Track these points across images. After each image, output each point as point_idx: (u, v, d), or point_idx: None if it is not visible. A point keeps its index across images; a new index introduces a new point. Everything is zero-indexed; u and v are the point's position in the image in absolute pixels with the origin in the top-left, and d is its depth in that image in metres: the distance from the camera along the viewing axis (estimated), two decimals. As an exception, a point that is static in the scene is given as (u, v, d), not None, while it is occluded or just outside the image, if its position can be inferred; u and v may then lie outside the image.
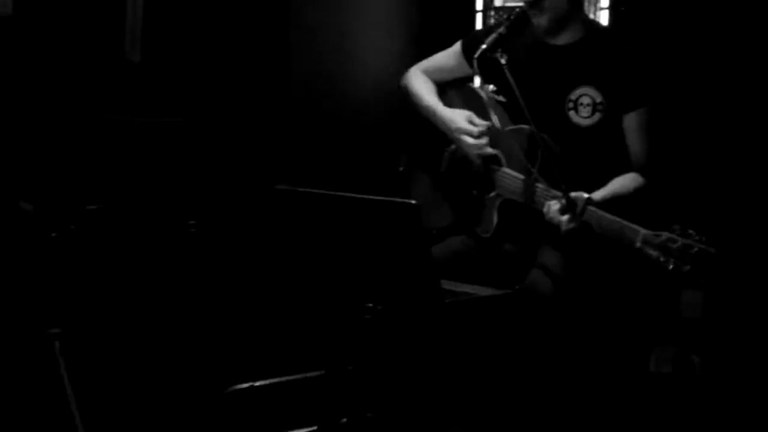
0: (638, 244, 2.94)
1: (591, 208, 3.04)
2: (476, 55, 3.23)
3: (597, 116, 3.33)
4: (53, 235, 3.67)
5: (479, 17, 4.84)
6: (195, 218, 4.01)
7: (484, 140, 3.41)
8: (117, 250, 3.85)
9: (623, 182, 3.28)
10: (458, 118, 3.47)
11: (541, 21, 3.32)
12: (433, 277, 2.87)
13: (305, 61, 4.46)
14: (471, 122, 3.44)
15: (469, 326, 3.15)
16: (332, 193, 2.93)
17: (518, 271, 3.32)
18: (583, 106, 3.34)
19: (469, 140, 3.42)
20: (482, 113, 3.49)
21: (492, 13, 4.81)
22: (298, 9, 4.43)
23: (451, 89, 3.67)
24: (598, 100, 3.32)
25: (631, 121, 3.32)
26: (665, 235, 2.89)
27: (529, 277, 3.23)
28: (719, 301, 3.95)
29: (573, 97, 3.35)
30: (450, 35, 3.76)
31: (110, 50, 4.03)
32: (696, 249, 2.84)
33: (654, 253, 2.89)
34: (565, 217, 3.06)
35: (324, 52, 4.53)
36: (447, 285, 3.13)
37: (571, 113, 3.35)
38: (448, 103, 3.60)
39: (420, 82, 3.68)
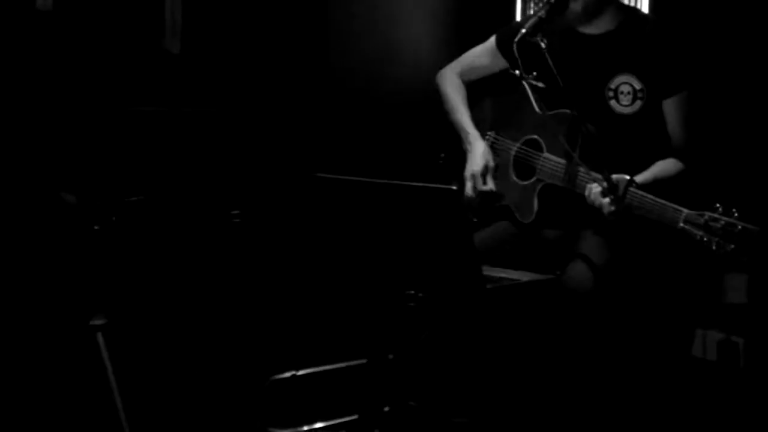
0: (681, 224, 2.92)
1: (633, 189, 3.03)
2: (516, 40, 3.20)
3: (638, 104, 3.31)
4: (96, 227, 3.69)
5: (519, 5, 4.81)
6: (238, 208, 4.03)
7: (477, 200, 3.46)
8: (159, 242, 3.86)
9: (665, 166, 3.26)
10: (478, 161, 3.52)
11: (576, 7, 3.29)
12: (474, 263, 2.86)
13: (344, 50, 4.47)
14: (484, 175, 3.48)
15: (511, 311, 3.14)
16: (372, 180, 2.93)
17: (559, 256, 3.30)
18: (624, 95, 3.32)
19: (468, 189, 3.48)
20: (524, 101, 3.48)
21: (532, 3, 4.79)
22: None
23: (488, 99, 3.69)
24: (638, 87, 3.30)
25: (671, 107, 3.30)
26: (708, 214, 2.88)
27: (569, 268, 3.21)
28: (764, 285, 3.92)
29: (613, 85, 3.33)
30: (489, 23, 3.74)
31: (150, 42, 4.04)
32: (740, 227, 2.82)
33: (697, 232, 2.88)
34: (607, 200, 3.04)
35: (363, 40, 4.53)
36: (488, 271, 3.13)
37: (612, 102, 3.33)
38: (492, 104, 3.63)
39: (452, 88, 3.71)
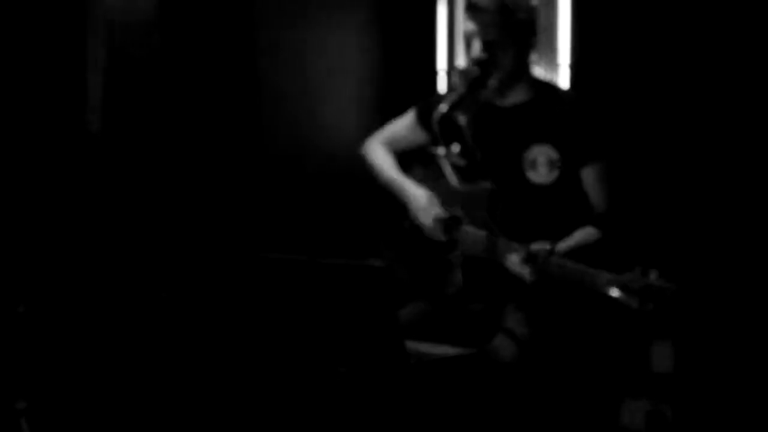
0: (601, 287, 2.95)
1: (553, 257, 3.05)
2: (436, 117, 3.24)
3: (555, 173, 3.34)
4: (20, 309, 3.65)
5: (441, 77, 4.87)
6: (167, 288, 4.01)
7: (440, 227, 3.42)
8: (86, 322, 3.83)
9: (585, 233, 3.29)
10: (421, 197, 3.48)
11: (493, 82, 3.33)
12: (398, 338, 2.86)
13: (273, 126, 4.48)
14: (431, 204, 3.45)
15: (435, 386, 3.13)
16: (297, 257, 2.93)
17: (483, 330, 3.30)
18: (541, 165, 3.35)
19: (427, 223, 3.44)
20: (442, 177, 3.50)
21: (453, 73, 4.83)
22: (264, 70, 4.45)
23: (414, 161, 3.69)
24: (555, 157, 3.34)
25: (589, 176, 3.34)
26: (627, 275, 2.91)
27: (493, 342, 3.21)
28: (690, 354, 3.95)
29: (529, 156, 3.36)
30: (413, 95, 3.77)
31: (71, 121, 4.02)
32: (658, 287, 2.86)
33: (617, 293, 2.91)
34: (527, 269, 3.06)
35: (293, 118, 4.55)
36: (413, 346, 3.12)
37: (529, 172, 3.36)
38: (411, 175, 3.61)
39: (379, 154, 3.69)
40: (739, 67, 3.94)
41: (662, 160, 4.10)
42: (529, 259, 3.04)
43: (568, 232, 3.27)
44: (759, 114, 3.89)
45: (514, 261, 3.10)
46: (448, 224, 3.42)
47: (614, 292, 2.92)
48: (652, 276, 2.88)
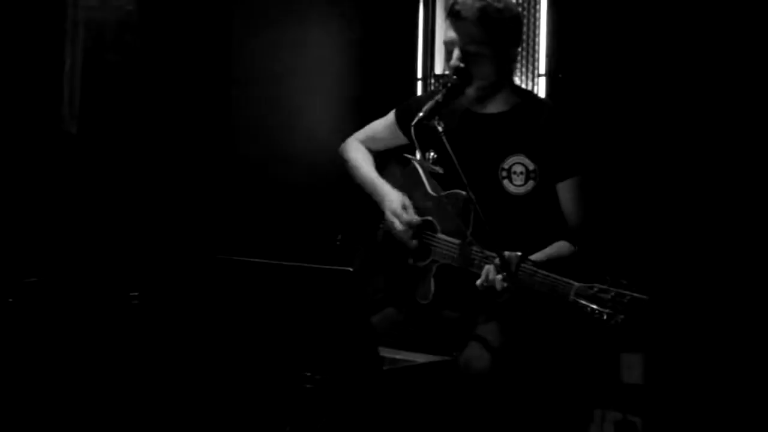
0: (572, 297, 2.95)
1: (524, 265, 3.05)
2: (413, 123, 3.24)
3: (530, 184, 3.35)
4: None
5: (420, 84, 4.88)
6: (137, 290, 3.99)
7: (410, 232, 3.42)
8: (57, 323, 3.81)
9: (559, 247, 3.30)
10: (394, 199, 3.48)
11: (470, 90, 3.34)
12: (371, 344, 2.86)
13: (246, 133, 4.47)
14: (404, 208, 3.45)
15: (407, 393, 3.13)
16: (270, 261, 2.92)
17: (457, 338, 3.31)
18: (517, 175, 3.36)
19: (399, 227, 3.43)
20: (418, 184, 3.51)
21: (432, 80, 4.85)
22: (240, 81, 4.45)
23: (392, 163, 3.69)
24: (531, 168, 3.34)
25: (564, 189, 3.35)
26: (597, 286, 2.91)
27: (466, 350, 3.20)
28: (660, 365, 3.97)
29: (506, 165, 3.37)
30: (391, 102, 3.77)
31: (47, 122, 4.01)
32: (628, 297, 2.86)
33: (588, 304, 2.91)
34: (500, 276, 3.05)
35: (265, 119, 4.55)
36: (385, 352, 3.12)
37: (505, 182, 3.37)
38: (388, 178, 3.61)
39: (357, 153, 3.71)
40: (714, 83, 3.96)
41: (634, 172, 4.12)
42: (503, 267, 3.04)
43: (542, 242, 3.28)
44: (733, 128, 3.91)
45: (488, 270, 3.10)
46: (419, 230, 3.42)
47: (584, 303, 2.92)
48: (623, 286, 2.89)
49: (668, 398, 3.97)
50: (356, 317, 2.84)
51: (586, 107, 4.17)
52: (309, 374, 2.93)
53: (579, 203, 3.35)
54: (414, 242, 3.42)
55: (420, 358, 3.21)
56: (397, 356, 3.18)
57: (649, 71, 4.11)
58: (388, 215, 3.47)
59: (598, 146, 3.74)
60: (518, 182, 3.36)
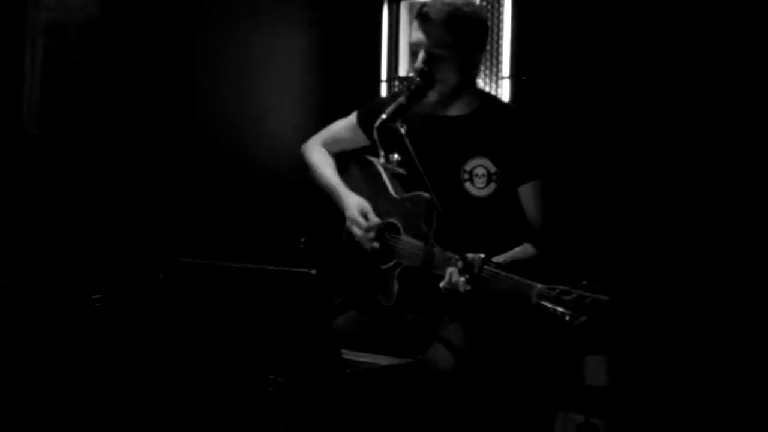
0: (534, 299, 2.95)
1: (487, 267, 3.04)
2: (376, 125, 3.22)
3: (492, 186, 3.35)
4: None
5: (384, 86, 4.87)
6: (100, 292, 3.97)
7: (371, 235, 3.41)
8: (19, 326, 3.79)
9: (522, 250, 3.30)
10: (353, 206, 3.48)
11: (433, 93, 3.33)
12: (333, 346, 2.85)
13: (209, 134, 4.45)
14: (364, 214, 3.44)
15: (371, 396, 3.13)
16: (233, 264, 2.91)
17: (420, 340, 3.30)
18: (478, 177, 3.36)
19: (358, 232, 3.43)
20: (381, 186, 3.50)
21: (396, 82, 4.85)
22: (203, 78, 4.43)
23: (354, 165, 3.68)
24: (493, 170, 3.35)
25: (526, 192, 3.35)
26: (559, 288, 2.91)
27: (429, 351, 3.20)
28: (623, 367, 3.98)
29: (468, 168, 3.37)
30: (355, 104, 3.76)
31: (7, 123, 3.98)
32: (590, 299, 2.86)
33: (550, 306, 2.91)
34: (463, 279, 3.05)
35: (229, 121, 4.54)
36: (348, 355, 3.11)
37: (467, 184, 3.37)
38: (349, 181, 3.60)
39: (319, 156, 3.69)
40: (676, 83, 3.98)
41: (596, 174, 4.14)
42: (465, 269, 3.04)
43: (505, 244, 3.28)
44: (693, 129, 3.94)
45: (451, 272, 3.09)
46: (382, 232, 3.41)
47: (547, 305, 2.92)
48: (584, 288, 2.89)
49: (631, 401, 3.98)
50: (319, 320, 2.83)
51: (550, 110, 4.19)
52: (272, 377, 2.91)
53: (541, 206, 3.35)
54: (374, 245, 3.41)
55: (383, 360, 3.20)
56: (360, 359, 3.17)
57: (612, 73, 4.13)
58: (349, 222, 3.47)
59: (561, 149, 3.76)
60: (480, 185, 3.36)
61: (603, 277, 2.97)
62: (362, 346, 3.30)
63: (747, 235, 3.82)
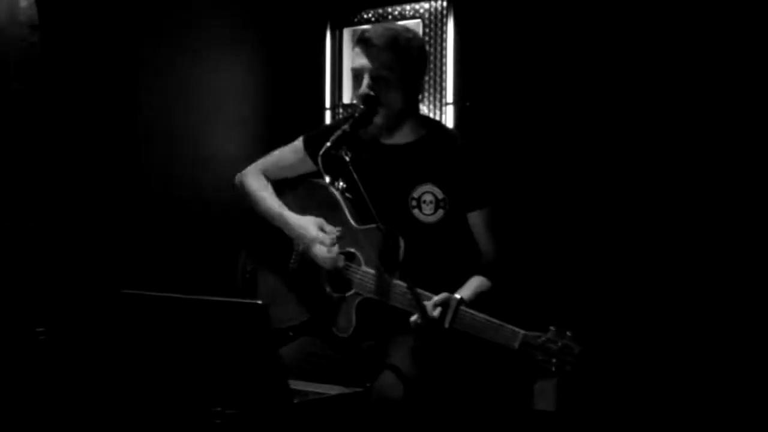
0: (517, 346, 2.96)
1: (464, 308, 3.06)
2: (321, 153, 3.20)
3: (440, 213, 3.35)
4: None
5: (328, 114, 4.87)
6: (43, 325, 3.92)
7: (336, 249, 3.37)
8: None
9: (480, 282, 3.31)
10: (310, 226, 3.42)
11: (377, 119, 3.32)
12: (280, 377, 2.83)
13: (152, 165, 4.42)
14: (322, 230, 3.40)
15: (318, 426, 3.10)
16: (178, 295, 2.88)
17: (370, 367, 3.28)
18: (426, 204, 3.36)
19: (324, 251, 3.37)
20: (336, 213, 3.47)
21: (340, 110, 4.85)
22: (145, 112, 4.40)
23: (300, 187, 3.64)
24: (441, 197, 3.35)
25: (475, 219, 3.36)
26: (544, 336, 2.94)
27: (379, 379, 3.18)
28: (572, 392, 3.99)
29: (415, 194, 3.37)
30: (299, 132, 3.74)
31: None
32: (578, 350, 2.92)
33: (536, 353, 2.94)
34: (438, 314, 3.06)
35: (172, 151, 4.51)
36: (296, 385, 3.08)
37: (416, 211, 3.37)
38: (295, 203, 3.56)
39: (258, 184, 3.62)
40: (624, 113, 4.01)
41: (543, 200, 4.16)
42: (442, 306, 3.05)
43: (456, 270, 3.28)
44: (648, 159, 3.97)
45: (428, 309, 3.09)
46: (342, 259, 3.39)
47: (533, 352, 2.96)
48: (568, 337, 2.92)
49: (579, 425, 3.99)
50: (266, 350, 2.80)
51: (494, 135, 4.21)
52: (219, 409, 2.88)
53: (490, 234, 3.36)
54: (340, 264, 3.37)
55: (332, 390, 3.18)
56: (309, 389, 3.15)
57: (556, 99, 4.16)
58: (311, 244, 3.40)
59: (507, 177, 3.77)
60: (428, 211, 3.36)
61: (554, 304, 2.99)
62: (311, 376, 3.28)
63: (696, 251, 3.86)
